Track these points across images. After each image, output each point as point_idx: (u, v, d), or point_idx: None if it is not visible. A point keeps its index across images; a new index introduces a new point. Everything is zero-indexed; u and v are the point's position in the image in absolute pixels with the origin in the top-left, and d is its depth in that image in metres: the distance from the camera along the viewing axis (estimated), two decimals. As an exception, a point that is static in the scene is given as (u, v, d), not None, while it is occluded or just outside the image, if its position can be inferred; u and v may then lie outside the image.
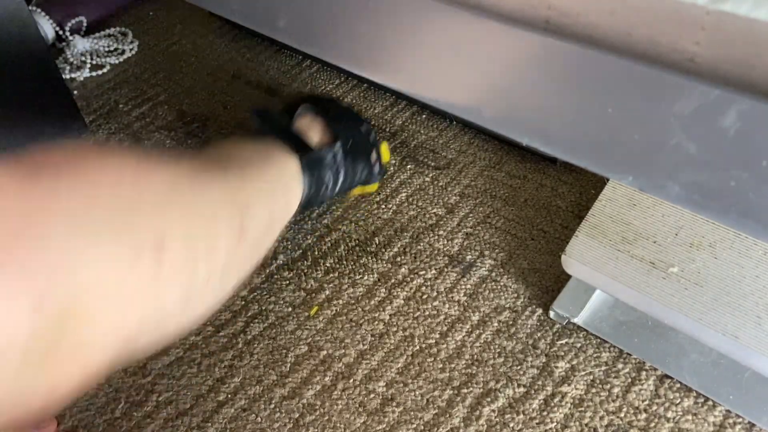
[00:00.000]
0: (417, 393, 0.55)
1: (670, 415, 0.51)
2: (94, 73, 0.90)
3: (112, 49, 0.93)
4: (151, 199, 0.33)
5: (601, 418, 0.52)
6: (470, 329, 0.58)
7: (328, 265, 0.65)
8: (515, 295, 0.60)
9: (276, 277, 0.64)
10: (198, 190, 0.38)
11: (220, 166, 0.43)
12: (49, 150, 0.30)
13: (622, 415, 0.52)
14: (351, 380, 0.56)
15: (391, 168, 0.73)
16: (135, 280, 0.30)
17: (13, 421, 0.28)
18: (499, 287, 0.61)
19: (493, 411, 0.53)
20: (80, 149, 0.32)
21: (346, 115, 0.64)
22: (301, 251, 0.66)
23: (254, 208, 0.43)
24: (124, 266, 0.30)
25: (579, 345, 0.56)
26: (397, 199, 0.70)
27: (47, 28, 0.91)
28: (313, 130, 0.59)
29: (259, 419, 0.54)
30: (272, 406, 0.55)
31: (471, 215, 0.67)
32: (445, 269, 0.63)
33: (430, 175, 0.72)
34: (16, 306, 0.25)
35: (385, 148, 0.68)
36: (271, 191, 0.49)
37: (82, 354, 0.29)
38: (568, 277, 0.58)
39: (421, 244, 0.65)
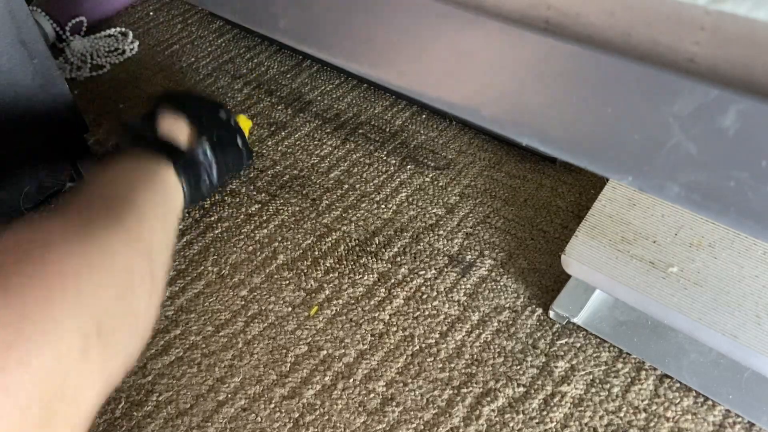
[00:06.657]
0: (417, 393, 0.55)
1: (669, 414, 0.52)
2: (94, 73, 0.90)
3: (112, 49, 0.93)
4: (78, 285, 0.35)
5: (601, 417, 0.52)
6: (470, 329, 0.58)
7: (328, 265, 0.65)
8: (515, 295, 0.60)
9: (276, 277, 0.64)
10: (110, 256, 0.38)
11: (113, 210, 0.43)
12: None
13: (622, 414, 0.52)
14: (351, 380, 0.56)
15: (391, 168, 0.73)
16: (88, 365, 0.34)
17: None
18: (498, 287, 0.61)
19: (493, 411, 0.53)
20: (7, 245, 0.35)
21: (204, 106, 0.63)
22: (301, 251, 0.66)
23: (156, 247, 0.44)
24: (78, 354, 0.33)
25: (579, 345, 0.56)
26: (397, 199, 0.70)
27: (47, 28, 0.91)
28: (177, 130, 0.58)
29: (259, 419, 0.54)
30: (272, 405, 0.55)
31: (471, 215, 0.67)
32: (445, 269, 0.63)
33: (430, 175, 0.72)
34: (14, 401, 0.30)
35: (243, 120, 0.69)
36: (162, 214, 0.49)
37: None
38: (568, 277, 0.58)
39: (421, 244, 0.65)
